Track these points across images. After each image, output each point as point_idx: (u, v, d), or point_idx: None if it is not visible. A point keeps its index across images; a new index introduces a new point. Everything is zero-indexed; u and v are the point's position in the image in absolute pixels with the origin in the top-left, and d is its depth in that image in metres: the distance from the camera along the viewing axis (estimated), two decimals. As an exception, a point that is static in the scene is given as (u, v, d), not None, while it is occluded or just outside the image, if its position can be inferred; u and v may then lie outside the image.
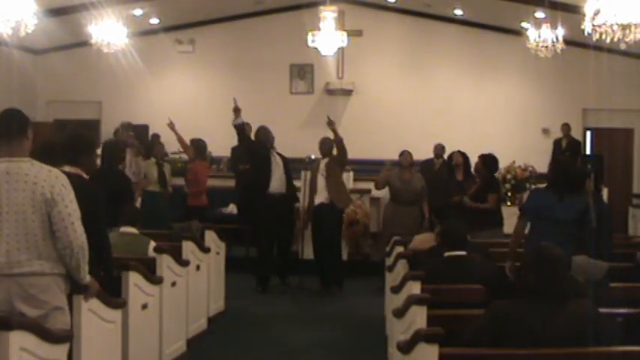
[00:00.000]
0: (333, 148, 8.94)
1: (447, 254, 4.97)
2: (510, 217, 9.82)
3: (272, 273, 8.95)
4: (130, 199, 6.91)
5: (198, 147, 9.63)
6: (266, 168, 8.72)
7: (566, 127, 13.17)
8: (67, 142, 4.41)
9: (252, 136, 9.04)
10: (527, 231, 5.63)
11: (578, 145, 13.25)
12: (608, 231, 5.77)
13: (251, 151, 8.99)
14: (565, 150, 12.89)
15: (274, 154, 8.83)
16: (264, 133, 8.87)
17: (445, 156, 10.74)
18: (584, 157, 12.79)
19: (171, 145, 12.84)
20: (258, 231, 9.03)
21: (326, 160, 8.88)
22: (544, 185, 5.80)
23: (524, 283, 3.44)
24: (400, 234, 7.20)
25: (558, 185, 5.37)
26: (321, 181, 8.79)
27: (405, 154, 9.28)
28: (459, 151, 9.18)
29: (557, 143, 13.23)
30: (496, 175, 9.24)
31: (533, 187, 10.98)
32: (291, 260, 9.15)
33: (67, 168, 4.20)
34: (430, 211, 8.84)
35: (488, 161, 8.40)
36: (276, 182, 8.74)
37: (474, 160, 8.65)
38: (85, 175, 4.37)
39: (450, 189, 8.85)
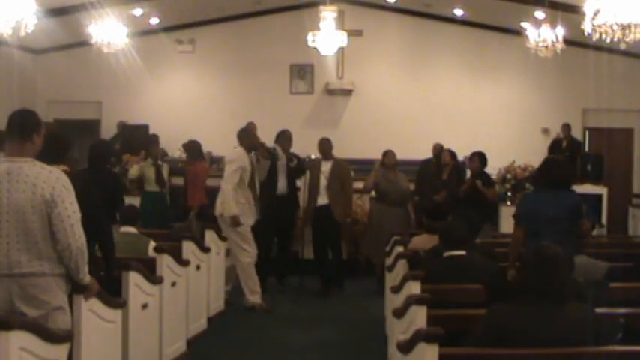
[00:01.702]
0: (332, 149, 8.94)
1: (446, 254, 4.97)
2: (510, 217, 9.86)
3: (269, 273, 8.93)
4: (120, 199, 6.91)
5: (193, 149, 9.63)
6: (274, 173, 8.76)
7: (566, 128, 13.16)
8: (48, 144, 4.39)
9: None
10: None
11: (579, 146, 13.25)
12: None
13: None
14: (565, 150, 12.90)
15: (280, 157, 8.85)
16: (285, 137, 8.94)
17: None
18: (583, 157, 12.80)
19: (170, 145, 12.90)
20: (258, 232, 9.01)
21: (330, 163, 8.84)
22: (532, 190, 5.76)
23: (524, 283, 3.43)
24: (391, 234, 7.19)
25: (550, 183, 5.35)
26: (323, 183, 8.78)
27: (389, 154, 9.22)
28: (447, 150, 9.20)
29: (556, 143, 13.22)
30: (494, 174, 9.30)
31: (531, 189, 11.02)
32: (290, 260, 9.14)
33: (56, 168, 4.19)
34: (422, 210, 8.85)
35: (484, 159, 8.52)
36: (282, 184, 8.79)
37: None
38: (67, 170, 4.34)
39: (436, 188, 8.90)
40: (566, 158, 5.74)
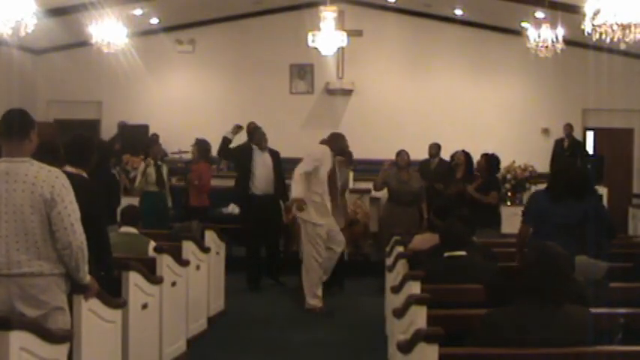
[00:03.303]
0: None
1: (446, 254, 4.96)
2: (510, 217, 9.87)
3: (262, 273, 8.90)
4: (116, 199, 6.93)
5: (202, 148, 9.63)
6: (247, 169, 8.70)
7: (568, 127, 13.17)
8: (71, 143, 4.41)
9: (248, 136, 9.04)
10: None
11: (580, 146, 13.24)
12: (607, 232, 5.75)
13: (234, 154, 9.06)
14: (566, 150, 12.90)
15: (262, 155, 8.80)
16: (260, 134, 8.85)
17: (442, 155, 10.76)
18: (584, 157, 12.80)
19: (170, 144, 12.90)
20: (245, 231, 8.91)
21: None
22: (545, 187, 5.76)
23: (526, 282, 3.43)
24: (399, 234, 7.19)
25: (557, 189, 5.35)
26: None
27: (402, 153, 9.25)
28: (462, 151, 9.24)
29: (558, 143, 13.22)
30: (497, 175, 9.28)
31: (534, 188, 11.02)
32: (282, 260, 9.10)
33: (68, 168, 4.21)
34: (429, 210, 8.84)
35: (492, 161, 8.49)
36: (261, 183, 8.70)
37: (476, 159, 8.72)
38: (85, 175, 4.38)
39: (450, 186, 8.89)
40: (579, 165, 5.75)
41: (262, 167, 8.71)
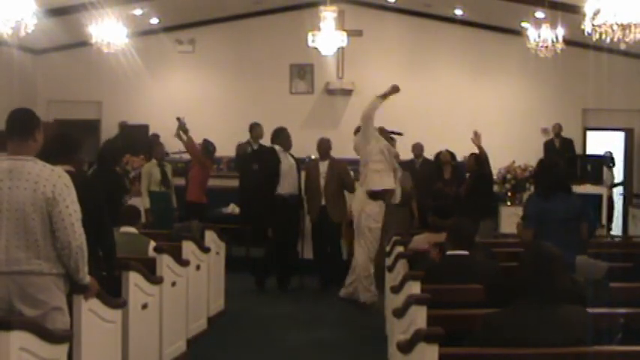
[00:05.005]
0: (331, 149, 8.92)
1: (449, 252, 4.95)
2: (510, 217, 9.86)
3: (272, 274, 8.90)
4: (120, 199, 6.94)
5: (207, 148, 9.68)
6: (275, 171, 8.64)
7: (557, 127, 13.16)
8: (56, 142, 4.39)
9: (272, 137, 8.95)
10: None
11: (571, 144, 13.23)
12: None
13: (260, 153, 9.03)
14: (559, 150, 12.88)
15: (287, 156, 8.79)
16: (286, 135, 8.84)
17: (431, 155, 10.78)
18: (583, 157, 12.78)
19: (170, 144, 12.88)
20: (266, 232, 8.84)
21: (326, 163, 8.82)
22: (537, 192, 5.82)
23: (521, 282, 3.43)
24: (397, 234, 7.19)
25: (547, 185, 5.40)
26: (321, 183, 8.75)
27: None
28: (447, 150, 9.27)
29: (549, 144, 13.19)
30: (495, 174, 9.33)
31: (533, 188, 11.07)
32: (294, 263, 9.05)
33: (59, 167, 4.18)
34: (428, 209, 8.85)
35: (480, 159, 8.63)
36: (288, 184, 8.68)
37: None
38: (71, 169, 4.34)
39: (433, 185, 8.95)
40: (562, 159, 5.96)
41: (288, 168, 8.72)
